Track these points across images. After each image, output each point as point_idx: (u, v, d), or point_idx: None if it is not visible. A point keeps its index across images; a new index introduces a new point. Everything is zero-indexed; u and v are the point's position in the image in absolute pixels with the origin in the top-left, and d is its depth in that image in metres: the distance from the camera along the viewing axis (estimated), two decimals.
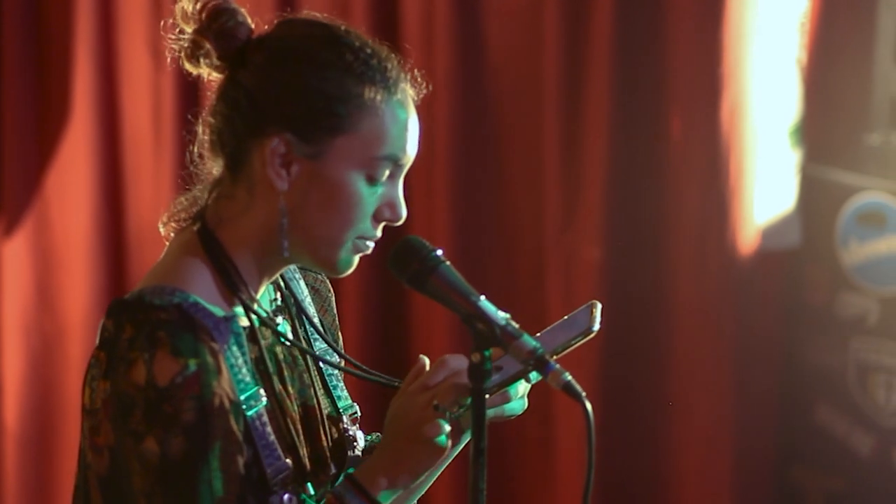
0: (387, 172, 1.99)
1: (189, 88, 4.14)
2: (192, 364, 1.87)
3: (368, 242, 2.01)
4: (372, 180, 1.98)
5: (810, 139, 4.07)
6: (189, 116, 2.12)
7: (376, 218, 2.00)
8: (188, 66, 2.02)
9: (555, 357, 1.94)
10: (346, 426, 2.11)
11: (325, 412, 2.09)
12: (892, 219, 3.91)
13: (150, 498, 1.87)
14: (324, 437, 2.07)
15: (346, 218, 1.97)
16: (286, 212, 1.97)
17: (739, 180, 3.98)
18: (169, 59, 2.05)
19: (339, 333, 2.22)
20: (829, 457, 4.05)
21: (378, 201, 1.99)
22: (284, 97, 1.97)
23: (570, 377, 1.84)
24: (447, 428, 1.95)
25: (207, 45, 1.99)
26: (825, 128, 4.09)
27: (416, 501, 2.08)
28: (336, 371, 2.16)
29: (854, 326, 3.99)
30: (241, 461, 1.90)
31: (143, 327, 1.88)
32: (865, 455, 3.99)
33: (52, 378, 4.36)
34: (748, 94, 3.96)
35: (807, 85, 4.05)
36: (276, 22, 2.05)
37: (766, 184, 4.02)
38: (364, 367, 2.16)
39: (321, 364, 2.12)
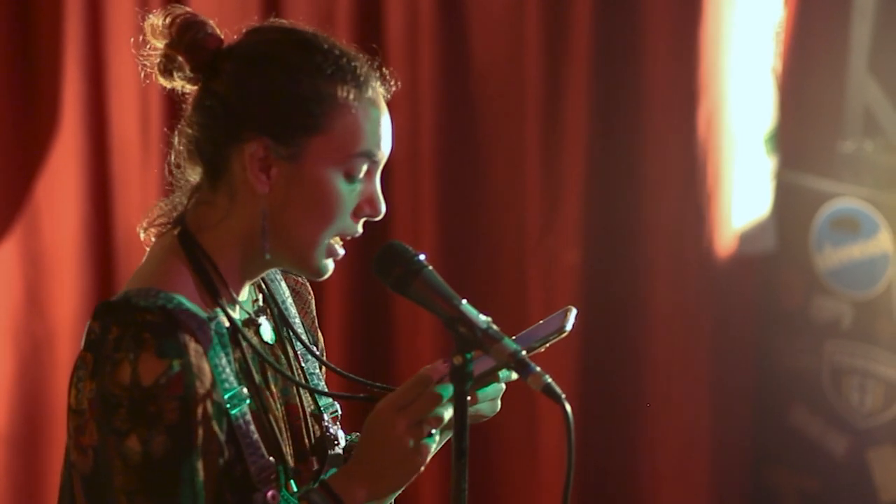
0: (364, 169, 2.02)
1: (176, 97, 4.15)
2: (176, 365, 1.90)
3: (341, 246, 2.04)
4: (350, 178, 2.01)
5: (785, 146, 4.10)
6: (166, 129, 2.14)
7: (356, 214, 2.03)
8: (162, 81, 2.05)
9: (529, 354, 1.97)
10: (327, 424, 2.14)
11: (308, 410, 2.12)
12: (866, 224, 3.95)
13: (132, 496, 1.89)
14: (306, 436, 2.10)
15: (328, 216, 2.01)
16: (267, 214, 2.00)
17: (716, 186, 4.02)
18: (142, 76, 2.07)
19: (319, 335, 2.25)
20: (803, 457, 4.09)
21: (357, 198, 2.03)
22: (259, 102, 1.99)
23: (549, 379, 1.87)
24: (432, 450, 1.99)
25: (180, 58, 2.02)
26: (800, 135, 4.13)
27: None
28: (319, 369, 2.19)
29: (828, 329, 4.03)
30: (221, 460, 1.93)
31: (129, 328, 1.91)
32: (839, 456, 4.03)
33: (41, 381, 4.35)
34: (724, 102, 4.00)
35: (782, 93, 4.08)
36: (244, 31, 2.07)
37: (742, 190, 4.06)
38: (339, 369, 2.20)
39: (303, 363, 2.16)
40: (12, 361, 4.32)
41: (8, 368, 4.32)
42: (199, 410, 1.90)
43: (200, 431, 1.90)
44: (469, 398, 1.95)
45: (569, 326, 2.02)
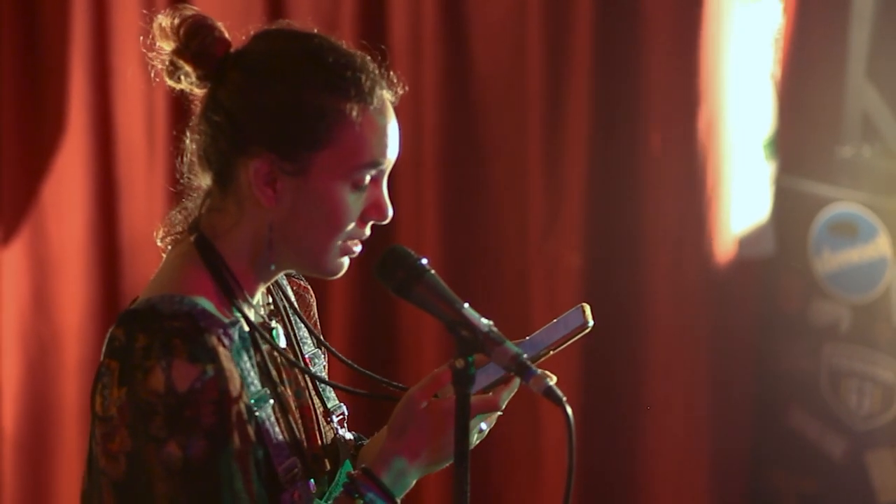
0: (370, 177, 2.03)
1: (181, 101, 4.16)
2: (210, 369, 1.91)
3: (356, 244, 2.06)
4: (357, 187, 2.02)
5: (784, 151, 4.11)
6: (175, 133, 2.15)
7: (363, 219, 2.05)
8: (170, 83, 2.05)
9: (553, 352, 2.03)
10: (335, 426, 2.17)
11: (319, 412, 2.15)
12: (864, 229, 3.96)
13: (174, 501, 1.90)
14: (318, 436, 2.13)
15: (334, 226, 2.02)
16: (274, 226, 2.01)
17: (716, 191, 4.03)
18: (152, 75, 2.08)
19: (321, 338, 2.27)
20: (802, 459, 4.09)
21: (364, 203, 2.04)
22: (264, 118, 1.99)
23: (551, 382, 1.89)
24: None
25: (186, 66, 2.03)
26: (799, 140, 4.13)
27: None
28: (324, 372, 2.22)
29: (827, 333, 4.04)
30: (255, 461, 1.95)
31: (157, 336, 1.91)
32: (837, 458, 4.04)
33: (48, 382, 4.37)
34: (724, 108, 4.01)
35: (781, 99, 4.09)
36: (252, 35, 2.07)
37: (742, 194, 4.07)
38: (354, 364, 2.23)
39: (311, 366, 2.18)
40: (19, 363, 4.35)
41: (15, 370, 4.34)
42: (234, 413, 1.92)
43: (236, 434, 1.92)
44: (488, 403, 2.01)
45: (591, 322, 2.05)
